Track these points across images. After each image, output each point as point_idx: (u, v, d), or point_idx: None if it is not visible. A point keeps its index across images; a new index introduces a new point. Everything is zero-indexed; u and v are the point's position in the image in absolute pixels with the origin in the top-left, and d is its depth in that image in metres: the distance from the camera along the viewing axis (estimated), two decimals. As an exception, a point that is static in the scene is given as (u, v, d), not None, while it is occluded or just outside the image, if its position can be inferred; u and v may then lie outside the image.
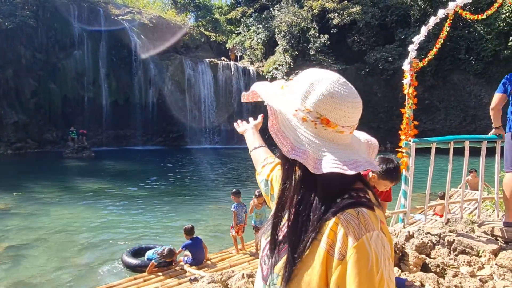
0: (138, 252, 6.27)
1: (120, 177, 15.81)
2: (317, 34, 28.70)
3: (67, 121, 24.29)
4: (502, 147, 4.22)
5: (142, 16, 31.08)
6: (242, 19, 35.45)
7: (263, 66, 31.56)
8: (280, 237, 0.91)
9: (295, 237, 0.86)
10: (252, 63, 32.92)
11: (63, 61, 25.63)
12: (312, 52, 28.83)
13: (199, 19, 37.27)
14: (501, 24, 23.58)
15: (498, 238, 3.84)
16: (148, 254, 5.69)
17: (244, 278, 3.37)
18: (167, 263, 5.40)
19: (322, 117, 0.85)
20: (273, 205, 1.13)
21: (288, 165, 0.93)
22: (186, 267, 5.38)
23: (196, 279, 3.98)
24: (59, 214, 9.59)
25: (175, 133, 29.75)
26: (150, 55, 28.97)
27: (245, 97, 1.07)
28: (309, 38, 28.96)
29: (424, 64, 4.28)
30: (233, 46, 34.06)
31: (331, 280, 0.80)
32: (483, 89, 25.87)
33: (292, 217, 0.89)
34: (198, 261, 5.52)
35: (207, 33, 36.13)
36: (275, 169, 1.27)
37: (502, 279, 3.21)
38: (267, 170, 1.30)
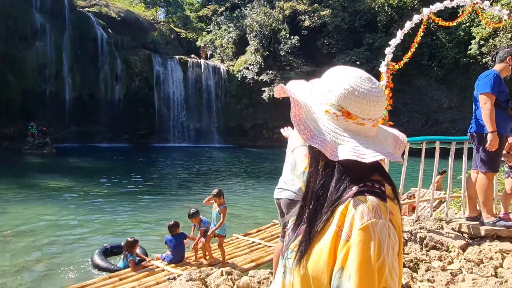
0: (108, 252, 6.05)
1: (84, 175, 15.22)
2: (288, 35, 29.02)
3: (26, 115, 23.01)
4: (469, 148, 4.45)
5: (109, 9, 30.13)
6: (213, 17, 35.22)
7: (234, 65, 31.52)
8: (301, 219, 0.99)
9: (313, 218, 0.93)
10: (222, 61, 32.76)
11: (23, 52, 24.28)
12: (283, 53, 29.13)
13: (169, 15, 36.67)
14: (461, 34, 24.88)
15: (464, 234, 4.04)
16: (120, 262, 5.56)
17: (223, 275, 3.34)
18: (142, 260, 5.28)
19: (343, 110, 0.92)
20: None
21: (313, 154, 0.99)
22: (163, 265, 5.25)
23: (174, 278, 3.90)
24: (18, 213, 9.07)
25: (143, 131, 29.06)
26: (117, 49, 28.13)
27: (277, 92, 1.08)
28: (280, 39, 29.23)
29: (400, 67, 4.43)
30: (204, 44, 33.75)
31: (337, 260, 0.86)
32: (443, 94, 27.21)
33: (312, 200, 0.96)
34: (178, 259, 5.39)
35: (177, 29, 35.58)
36: None
37: (471, 273, 3.37)
38: (305, 163, 1.34)
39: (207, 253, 5.56)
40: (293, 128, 1.78)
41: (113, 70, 27.93)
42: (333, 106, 0.93)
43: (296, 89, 1.03)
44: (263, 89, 28.43)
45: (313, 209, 0.94)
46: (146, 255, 5.71)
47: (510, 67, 3.87)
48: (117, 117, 27.63)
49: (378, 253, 0.83)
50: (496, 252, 3.55)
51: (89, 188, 12.40)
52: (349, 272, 0.83)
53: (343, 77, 0.94)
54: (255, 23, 29.31)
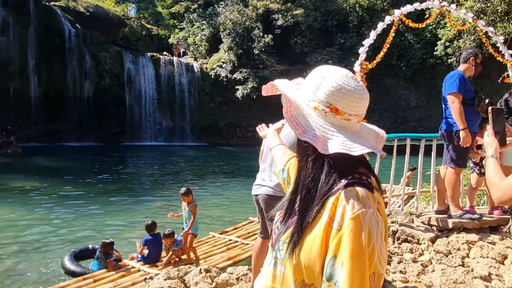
0: (80, 255, 5.85)
1: (52, 175, 14.65)
2: (261, 34, 29.11)
3: (-12, 114, 21.91)
4: (437, 145, 4.65)
5: (77, 4, 29.16)
6: (186, 14, 34.79)
7: (207, 63, 31.28)
8: (291, 212, 1.03)
9: (305, 209, 0.97)
10: (196, 59, 32.44)
11: (-16, 48, 23.13)
12: (256, 52, 29.19)
13: (141, 11, 35.84)
14: (428, 35, 25.83)
15: (434, 227, 4.22)
16: (93, 264, 5.41)
17: (202, 273, 3.33)
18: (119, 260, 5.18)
19: (332, 106, 0.97)
20: (290, 188, 1.25)
21: (303, 149, 1.03)
22: (139, 265, 5.16)
23: (152, 278, 3.85)
24: (-19, 215, 8.67)
25: (114, 129, 28.30)
26: (86, 45, 27.26)
27: (265, 90, 1.13)
28: (253, 37, 29.26)
29: (373, 66, 4.57)
30: (176, 41, 33.28)
31: (329, 249, 0.90)
32: (411, 93, 28.17)
33: (303, 192, 0.99)
34: (155, 259, 5.31)
35: (148, 26, 34.90)
36: (292, 159, 1.38)
37: (440, 263, 3.53)
38: (284, 160, 1.41)
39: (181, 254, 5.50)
40: (268, 127, 1.88)
41: (81, 67, 27.04)
42: (321, 103, 0.97)
43: (285, 87, 1.07)
44: (236, 87, 28.40)
45: (305, 201, 0.98)
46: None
47: (473, 67, 4.07)
48: (86, 115, 26.79)
49: (369, 240, 0.88)
50: (463, 243, 3.73)
51: (57, 189, 11.96)
52: (342, 260, 0.87)
53: (330, 76, 0.99)
54: (228, 21, 29.20)
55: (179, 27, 34.94)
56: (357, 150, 0.93)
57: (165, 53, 31.88)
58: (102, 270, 5.03)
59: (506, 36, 11.28)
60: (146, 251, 5.36)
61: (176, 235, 5.54)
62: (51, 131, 25.42)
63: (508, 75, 5.63)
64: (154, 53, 30.51)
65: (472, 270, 3.29)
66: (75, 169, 16.30)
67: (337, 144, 0.94)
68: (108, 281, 4.66)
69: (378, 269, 0.89)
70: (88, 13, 28.91)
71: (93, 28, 28.41)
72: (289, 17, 29.00)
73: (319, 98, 0.98)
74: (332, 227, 0.90)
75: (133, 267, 5.16)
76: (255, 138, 28.82)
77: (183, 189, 5.56)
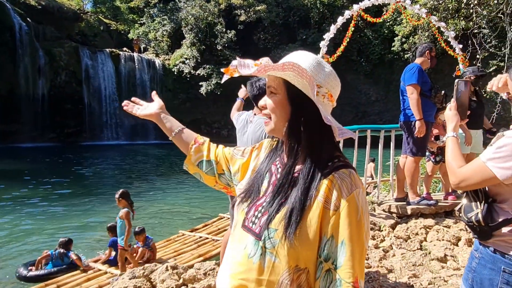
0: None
1: (4, 178, 13.79)
2: (224, 30, 28.88)
3: None
4: (396, 136, 4.84)
5: (28, -3, 27.52)
6: (145, 9, 33.78)
7: (169, 59, 30.64)
8: (280, 197, 1.00)
9: (301, 193, 0.96)
10: (157, 55, 31.66)
11: None
12: (220, 47, 28.95)
13: (98, 5, 34.44)
14: (386, 31, 26.75)
15: (394, 214, 4.41)
16: (48, 265, 5.17)
17: (168, 270, 3.28)
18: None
19: (329, 93, 1.02)
20: (236, 178, 1.24)
21: (296, 133, 1.01)
22: (105, 267, 4.98)
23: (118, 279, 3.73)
24: None
25: (71, 128, 27.07)
26: (39, 41, 25.83)
27: (232, 71, 1.06)
28: (216, 33, 28.99)
29: (334, 60, 4.67)
30: (137, 37, 32.29)
31: (327, 229, 0.92)
32: (371, 88, 29.11)
33: (302, 177, 0.98)
34: None
35: (106, 21, 33.59)
36: (220, 148, 1.32)
37: (400, 248, 3.69)
38: (204, 151, 1.31)
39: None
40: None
41: (34, 64, 25.56)
42: (321, 88, 1.01)
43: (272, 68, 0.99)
44: (200, 83, 28.06)
45: (301, 187, 0.97)
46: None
47: (429, 60, 4.27)
48: (41, 114, 25.41)
49: (363, 217, 0.94)
50: (420, 228, 3.92)
51: (12, 193, 11.28)
52: (341, 239, 0.91)
53: (322, 62, 1.01)
54: (190, 16, 28.73)
55: (139, 22, 33.90)
56: (348, 133, 1.04)
57: (125, 49, 30.84)
58: (66, 275, 4.82)
59: (457, 32, 11.92)
60: (113, 253, 5.21)
61: (148, 235, 5.42)
62: (3, 132, 23.91)
63: (459, 68, 5.96)
64: (113, 49, 29.44)
65: (429, 253, 3.47)
66: (30, 172, 15.43)
67: (341, 129, 1.03)
68: (72, 285, 4.47)
69: (365, 245, 0.95)
70: (40, 7, 27.36)
71: (46, 23, 26.94)
72: (252, 13, 28.98)
73: (319, 83, 1.00)
74: (328, 208, 0.93)
75: (99, 270, 5.00)
76: (220, 134, 28.71)
77: (117, 192, 5.04)
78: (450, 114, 1.67)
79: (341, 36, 5.92)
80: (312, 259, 0.94)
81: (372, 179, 7.01)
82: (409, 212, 4.25)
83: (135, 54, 30.27)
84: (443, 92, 4.09)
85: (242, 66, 0.99)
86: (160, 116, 1.35)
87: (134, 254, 5.20)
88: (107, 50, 28.83)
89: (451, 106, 1.68)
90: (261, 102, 1.08)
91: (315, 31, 28.54)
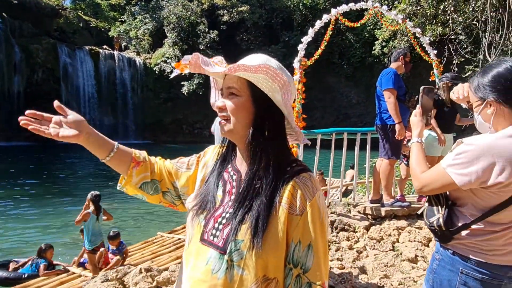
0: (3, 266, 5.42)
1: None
2: (207, 30, 28.77)
3: None
4: (372, 138, 4.93)
5: (4, -9, 26.68)
6: (127, 7, 33.32)
7: (150, 58, 30.28)
8: (243, 208, 0.96)
9: (266, 201, 0.93)
10: (138, 54, 31.24)
11: None
12: (202, 47, 28.79)
13: (77, 2, 33.69)
14: (367, 35, 27.20)
15: (368, 215, 4.49)
16: (25, 267, 5.03)
17: (142, 272, 3.25)
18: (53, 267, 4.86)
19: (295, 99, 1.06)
20: (184, 193, 1.18)
21: (257, 141, 0.98)
22: (79, 270, 4.88)
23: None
24: None
25: (49, 127, 26.37)
26: (15, 37, 25.08)
27: (193, 66, 0.98)
28: (199, 32, 28.84)
29: (311, 63, 4.72)
30: (117, 34, 31.76)
31: (294, 235, 0.92)
32: (352, 91, 29.53)
33: (263, 185, 0.95)
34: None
35: (86, 17, 32.92)
36: (161, 163, 1.21)
37: (373, 249, 3.77)
38: (147, 171, 1.15)
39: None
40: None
41: (10, 60, 24.80)
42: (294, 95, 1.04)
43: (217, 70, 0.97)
44: (182, 83, 27.84)
45: (262, 195, 0.94)
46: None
47: (403, 65, 4.37)
48: (17, 112, 24.49)
49: (324, 219, 0.95)
50: (393, 229, 4.01)
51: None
52: (307, 242, 0.92)
53: (282, 66, 1.00)
54: (172, 15, 28.48)
55: (120, 19, 33.38)
56: (306, 139, 1.10)
57: (105, 46, 30.31)
58: (38, 279, 4.71)
59: (434, 38, 12.22)
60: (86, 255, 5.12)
61: (122, 240, 5.34)
62: (-24, 130, 23.14)
63: (433, 73, 6.12)
64: (93, 47, 28.88)
65: (401, 254, 3.55)
66: (3, 172, 14.98)
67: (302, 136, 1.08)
68: (45, 289, 4.37)
69: (327, 244, 0.98)
70: (16, 2, 26.58)
71: (23, 19, 26.19)
72: (235, 14, 28.97)
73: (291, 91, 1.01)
74: (294, 213, 0.92)
75: (73, 273, 4.90)
76: (202, 135, 28.55)
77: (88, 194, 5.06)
78: (415, 120, 1.72)
79: (323, 38, 5.99)
80: (280, 267, 0.93)
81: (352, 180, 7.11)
82: (383, 213, 4.34)
83: (116, 52, 29.78)
84: (416, 97, 4.19)
85: (205, 64, 0.95)
86: (87, 135, 1.06)
87: (103, 259, 5.13)
88: (87, 47, 28.27)
89: (416, 112, 1.73)
90: (218, 103, 1.01)
91: (297, 33, 28.75)
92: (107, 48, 30.08)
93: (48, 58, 26.11)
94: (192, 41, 28.92)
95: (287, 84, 0.98)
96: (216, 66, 0.98)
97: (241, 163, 1.06)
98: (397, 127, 4.12)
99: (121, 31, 31.83)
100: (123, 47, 32.07)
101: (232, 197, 1.01)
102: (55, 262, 5.28)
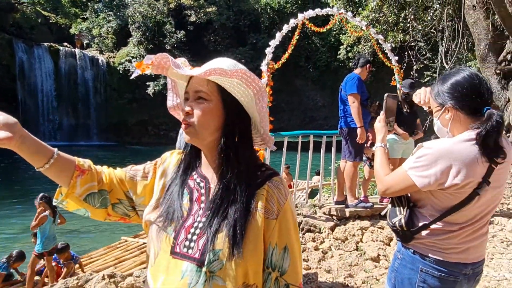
0: None
1: None
2: (173, 30, 28.35)
3: None
4: (337, 141, 5.05)
5: (-47, -18, 25.02)
6: (89, 3, 32.17)
7: (114, 57, 29.39)
8: (218, 216, 0.92)
9: (242, 208, 0.91)
10: (101, 52, 30.23)
11: None
12: (168, 47, 28.33)
13: (35, -4, 32.14)
14: (332, 40, 27.87)
15: (334, 216, 4.59)
16: None
17: (104, 279, 3.14)
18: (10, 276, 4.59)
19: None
20: (141, 203, 1.08)
21: (227, 147, 0.96)
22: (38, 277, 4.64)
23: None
24: None
25: (3, 127, 24.92)
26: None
27: (158, 67, 0.92)
28: (165, 32, 28.37)
29: (279, 66, 4.77)
30: (79, 32, 30.59)
31: (271, 239, 0.93)
32: (318, 94, 30.14)
33: (238, 191, 0.93)
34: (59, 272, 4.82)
35: (45, 13, 31.47)
36: (110, 172, 1.09)
37: (338, 249, 3.85)
38: (94, 180, 1.04)
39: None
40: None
41: (-41, 55, 23.29)
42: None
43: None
44: (148, 83, 27.24)
45: (236, 202, 0.92)
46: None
47: (367, 73, 4.53)
48: (-33, 111, 23.13)
49: (296, 221, 0.98)
50: (357, 230, 4.12)
51: None
52: (284, 245, 0.93)
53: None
54: (137, 14, 27.83)
55: (81, 16, 32.17)
56: (273, 147, 1.10)
57: (65, 44, 29.09)
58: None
59: (396, 44, 12.72)
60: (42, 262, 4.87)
61: (72, 252, 5.10)
62: None
63: (394, 79, 6.36)
64: (52, 44, 27.63)
65: (364, 253, 3.66)
66: None
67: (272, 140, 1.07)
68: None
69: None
70: (-33, -6, 25.00)
71: (-26, 11, 24.66)
72: (202, 14, 28.75)
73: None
74: (270, 218, 0.93)
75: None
76: (168, 136, 28.04)
77: (36, 198, 4.88)
78: (379, 126, 1.78)
79: (290, 42, 6.06)
80: (259, 272, 0.92)
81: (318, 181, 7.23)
82: (347, 214, 4.45)
83: (77, 50, 28.66)
84: (377, 102, 4.35)
85: (176, 66, 0.90)
86: (22, 139, 0.90)
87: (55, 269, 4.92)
88: (45, 44, 27.00)
89: (380, 118, 1.80)
90: (185, 108, 0.95)
91: (265, 35, 28.96)
92: (68, 46, 28.89)
93: (3, 54, 24.70)
94: (158, 40, 28.39)
95: (262, 90, 0.97)
96: (186, 68, 0.94)
97: (207, 169, 1.02)
98: (358, 131, 4.25)
99: (83, 29, 30.68)
100: (85, 45, 30.93)
101: (202, 205, 0.96)
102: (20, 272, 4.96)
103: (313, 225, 4.28)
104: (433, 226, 1.48)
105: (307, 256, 3.66)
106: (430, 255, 1.49)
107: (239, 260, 0.87)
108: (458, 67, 1.61)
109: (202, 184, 1.00)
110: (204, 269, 0.88)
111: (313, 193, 8.82)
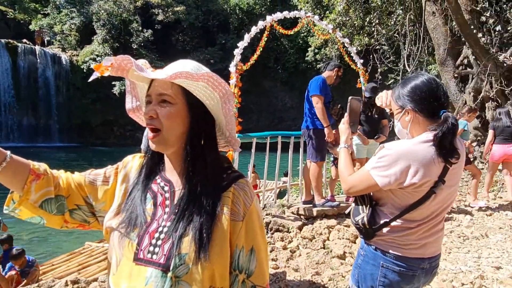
0: None
1: None
2: (140, 28, 27.76)
3: None
4: (305, 142, 5.13)
5: None
6: (51, -1, 30.87)
7: (78, 55, 28.35)
8: (175, 222, 0.91)
9: (208, 211, 0.90)
10: (64, 50, 29.05)
11: None
12: (135, 46, 27.72)
13: (-9, -11, 30.41)
14: (301, 42, 28.28)
15: (302, 216, 4.67)
16: None
17: (68, 285, 3.04)
18: None
19: None
20: (102, 209, 1.04)
21: (193, 150, 0.95)
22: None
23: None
24: None
25: (-44, 128, 23.48)
26: None
27: (118, 69, 0.88)
28: (131, 31, 27.72)
29: (247, 68, 4.80)
30: (39, 28, 29.24)
31: (238, 241, 0.93)
32: (287, 95, 30.49)
33: (204, 195, 0.92)
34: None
35: (2, 8, 29.84)
36: (67, 176, 1.05)
37: (305, 248, 3.92)
38: (51, 185, 0.99)
39: None
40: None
41: None
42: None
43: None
44: (113, 83, 26.49)
45: (201, 206, 0.91)
46: None
47: (335, 77, 4.63)
48: None
49: (262, 222, 0.98)
50: (324, 228, 4.22)
51: None
52: (250, 246, 0.93)
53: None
54: (102, 11, 27.00)
55: (42, 12, 30.79)
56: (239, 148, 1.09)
57: (24, 40, 27.71)
58: None
59: (361, 48, 13.09)
60: None
61: (28, 256, 4.86)
62: None
63: (360, 81, 6.56)
64: (10, 40, 26.25)
65: (331, 251, 3.75)
66: None
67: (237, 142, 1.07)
68: None
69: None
70: None
71: None
72: (170, 13, 28.33)
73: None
74: (236, 220, 0.92)
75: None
76: (134, 137, 27.39)
77: None
78: (343, 128, 1.85)
79: (259, 43, 6.10)
80: (226, 276, 0.91)
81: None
82: (314, 213, 4.54)
83: (37, 47, 27.37)
84: (339, 105, 4.48)
85: (140, 69, 0.86)
86: None
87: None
88: (2, 40, 25.60)
89: (344, 120, 1.86)
90: (149, 112, 0.92)
91: (234, 36, 28.97)
92: (27, 43, 27.52)
93: (-46, 50, 23.22)
94: (124, 39, 27.69)
95: (228, 93, 0.96)
96: (149, 70, 0.91)
97: (171, 173, 1.00)
98: (325, 130, 4.35)
99: (44, 25, 29.36)
100: (46, 42, 29.61)
101: (167, 209, 0.94)
102: None
103: (281, 225, 4.33)
104: (393, 224, 1.55)
105: (276, 256, 3.70)
106: (390, 251, 1.56)
107: (206, 263, 0.86)
108: (418, 71, 1.69)
109: (166, 188, 0.98)
110: (169, 274, 0.86)
111: (282, 194, 8.93)
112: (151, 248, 0.89)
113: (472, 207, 5.49)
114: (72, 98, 27.98)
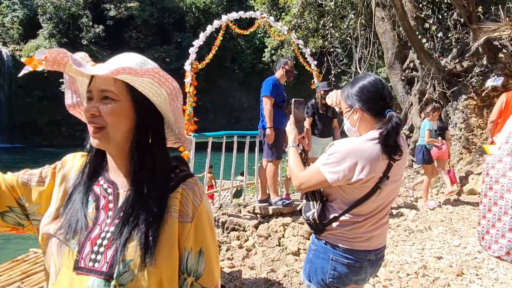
0: None
1: None
2: (91, 23, 26.59)
3: None
4: (261, 141, 5.18)
5: None
6: (-10, -11, 28.68)
7: (21, 50, 26.58)
8: (120, 227, 0.86)
9: (154, 214, 0.86)
10: (5, 44, 27.12)
11: None
12: (85, 42, 26.50)
13: None
14: (257, 42, 28.52)
15: (258, 214, 4.70)
16: None
17: (9, 295, 2.84)
18: None
19: None
20: (37, 212, 0.97)
21: (140, 149, 0.91)
22: None
23: None
24: None
25: None
26: None
27: (54, 63, 0.81)
28: (81, 26, 26.48)
29: (203, 67, 4.76)
30: (-23, 20, 27.06)
31: (186, 243, 0.89)
32: (244, 95, 30.62)
33: (150, 197, 0.88)
34: None
35: None
36: (20, 178, 0.98)
37: (261, 246, 3.96)
38: (2, 189, 0.94)
39: None
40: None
41: None
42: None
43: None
44: (61, 80, 24.92)
45: (145, 208, 0.86)
46: None
47: (284, 73, 4.71)
48: None
49: (212, 222, 0.94)
50: (279, 226, 4.28)
51: None
52: (199, 248, 0.90)
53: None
54: (48, 4, 25.54)
55: (-20, 3, 28.52)
56: (189, 146, 1.04)
57: (-40, 33, 25.54)
58: None
59: (316, 50, 13.45)
60: None
61: None
62: None
63: (314, 82, 6.73)
64: None
65: (286, 248, 3.81)
66: None
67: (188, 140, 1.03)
68: None
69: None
70: None
71: None
72: (123, 9, 27.42)
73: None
74: (184, 221, 0.88)
75: None
76: (84, 138, 26.10)
77: None
78: (289, 129, 1.90)
79: (214, 43, 6.07)
80: (174, 279, 0.87)
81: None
82: (270, 212, 4.60)
83: (-25, 41, 25.31)
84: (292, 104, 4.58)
85: (77, 64, 0.80)
86: None
87: None
88: None
89: (290, 121, 1.91)
90: (91, 110, 0.87)
91: (190, 34, 28.60)
92: (-37, 35, 25.40)
93: None
94: (73, 34, 26.37)
95: (176, 90, 0.92)
96: (88, 65, 0.85)
97: (116, 174, 0.94)
98: (267, 131, 4.45)
99: (-18, 17, 27.24)
100: (-16, 35, 27.46)
101: (110, 213, 0.89)
102: None
103: (237, 224, 4.34)
104: (342, 218, 1.61)
105: (232, 255, 3.71)
106: (339, 244, 1.62)
107: (152, 268, 0.82)
108: (365, 72, 1.78)
109: (109, 190, 0.93)
110: (113, 282, 0.81)
111: (238, 193, 8.95)
112: (93, 256, 0.84)
113: (423, 208, 5.77)
114: (14, 96, 26.17)
